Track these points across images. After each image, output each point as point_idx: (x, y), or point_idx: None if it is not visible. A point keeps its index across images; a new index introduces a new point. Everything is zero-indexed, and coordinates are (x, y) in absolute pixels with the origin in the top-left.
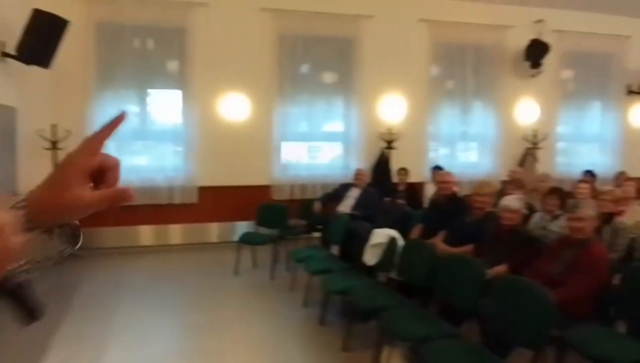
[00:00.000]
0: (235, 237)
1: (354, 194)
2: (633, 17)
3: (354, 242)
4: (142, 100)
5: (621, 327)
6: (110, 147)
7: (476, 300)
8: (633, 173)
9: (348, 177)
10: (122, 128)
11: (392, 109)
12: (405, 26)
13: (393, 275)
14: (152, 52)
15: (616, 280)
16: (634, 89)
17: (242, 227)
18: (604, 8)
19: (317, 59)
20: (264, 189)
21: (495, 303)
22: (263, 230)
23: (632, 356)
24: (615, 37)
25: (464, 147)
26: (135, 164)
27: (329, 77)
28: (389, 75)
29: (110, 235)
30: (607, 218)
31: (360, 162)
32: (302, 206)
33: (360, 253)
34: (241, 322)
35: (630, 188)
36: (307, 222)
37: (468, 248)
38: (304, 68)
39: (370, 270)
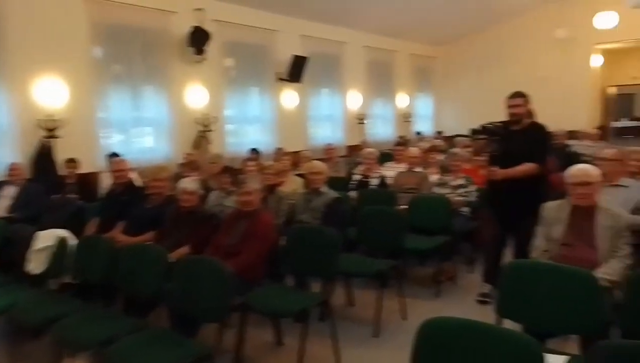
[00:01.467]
0: None
1: (9, 193)
2: (279, 14)
3: (14, 249)
4: None
5: (290, 282)
6: None
7: (160, 286)
8: (288, 148)
9: (0, 174)
10: None
11: (52, 93)
12: (57, 1)
13: (67, 279)
14: None
15: (283, 241)
16: (283, 76)
17: None
18: (256, 4)
19: None
20: None
21: (179, 286)
22: None
23: (300, 305)
24: (265, 31)
25: (139, 133)
26: None
27: None
28: (43, 55)
29: None
30: (271, 189)
31: (14, 154)
32: None
33: (23, 261)
34: None
35: (287, 162)
36: None
37: (149, 235)
38: None
39: (39, 279)
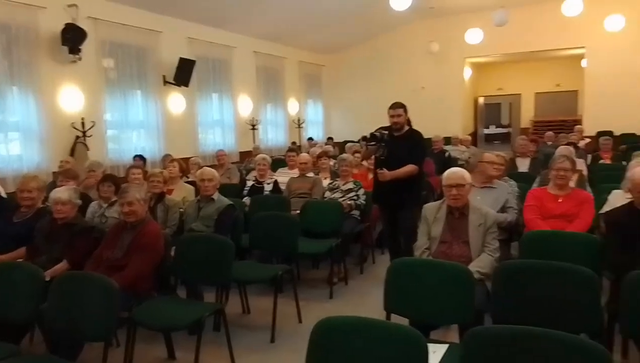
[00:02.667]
0: None
1: None
2: (162, 14)
3: None
4: None
5: (182, 293)
6: None
7: (35, 307)
8: (176, 154)
9: None
10: None
11: None
12: None
13: None
14: None
15: (173, 252)
16: (169, 79)
17: None
18: (136, 2)
19: None
20: None
21: (57, 305)
22: None
23: (192, 316)
24: (149, 32)
25: (3, 138)
26: None
27: None
28: None
29: None
30: (159, 197)
31: None
32: None
33: None
34: None
35: (175, 169)
36: None
37: (19, 252)
38: None
39: None
